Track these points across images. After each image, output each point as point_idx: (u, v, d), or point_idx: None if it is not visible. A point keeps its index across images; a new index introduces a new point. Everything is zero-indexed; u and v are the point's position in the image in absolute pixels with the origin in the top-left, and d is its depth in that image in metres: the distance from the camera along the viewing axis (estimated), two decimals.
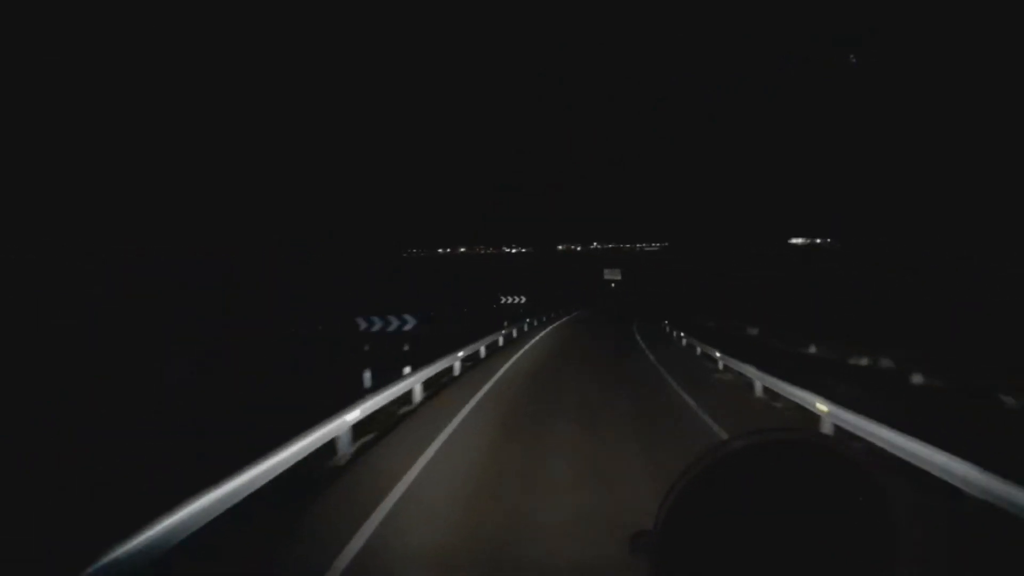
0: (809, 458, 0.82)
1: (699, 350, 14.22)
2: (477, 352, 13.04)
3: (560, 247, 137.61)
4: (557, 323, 25.97)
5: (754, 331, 21.74)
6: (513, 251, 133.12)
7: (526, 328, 21.80)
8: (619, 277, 55.17)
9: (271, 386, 8.93)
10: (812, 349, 15.15)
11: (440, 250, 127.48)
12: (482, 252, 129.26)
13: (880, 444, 4.75)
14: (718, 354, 11.53)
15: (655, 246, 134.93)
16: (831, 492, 0.80)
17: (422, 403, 7.79)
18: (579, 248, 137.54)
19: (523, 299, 25.41)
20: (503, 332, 17.11)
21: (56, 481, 4.14)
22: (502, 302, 25.31)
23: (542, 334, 20.84)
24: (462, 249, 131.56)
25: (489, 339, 14.51)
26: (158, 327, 18.21)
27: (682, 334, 17.83)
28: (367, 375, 7.75)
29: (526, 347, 16.01)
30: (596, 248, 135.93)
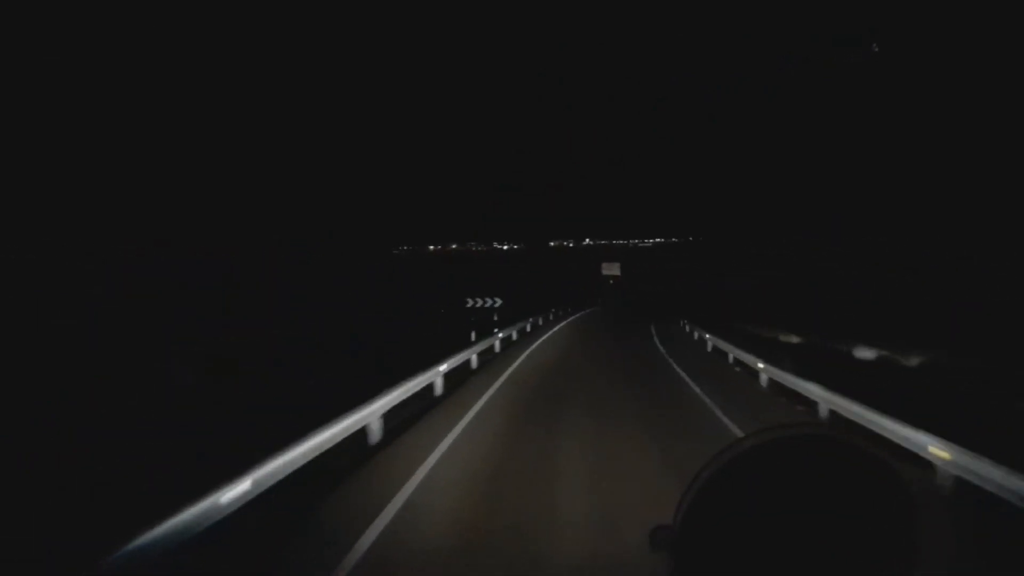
0: (829, 453, 0.81)
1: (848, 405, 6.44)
2: (366, 429, 5.75)
3: (552, 243, 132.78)
4: (548, 334, 18.68)
5: (868, 353, 13.34)
6: (505, 248, 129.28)
7: (498, 347, 14.26)
8: (618, 272, 51.15)
9: (273, 388, 8.93)
10: None
11: (431, 247, 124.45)
12: (474, 249, 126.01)
13: None
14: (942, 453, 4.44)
15: (649, 242, 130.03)
16: (851, 489, 0.79)
17: None
18: (571, 244, 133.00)
19: (497, 302, 19.48)
20: (441, 369, 8.73)
21: (56, 481, 4.13)
22: (469, 305, 19.64)
23: (521, 359, 13.03)
24: (454, 246, 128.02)
25: (412, 385, 7.28)
26: (158, 327, 18.23)
27: (759, 364, 9.80)
28: None
29: (483, 402, 8.23)
30: (589, 244, 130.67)
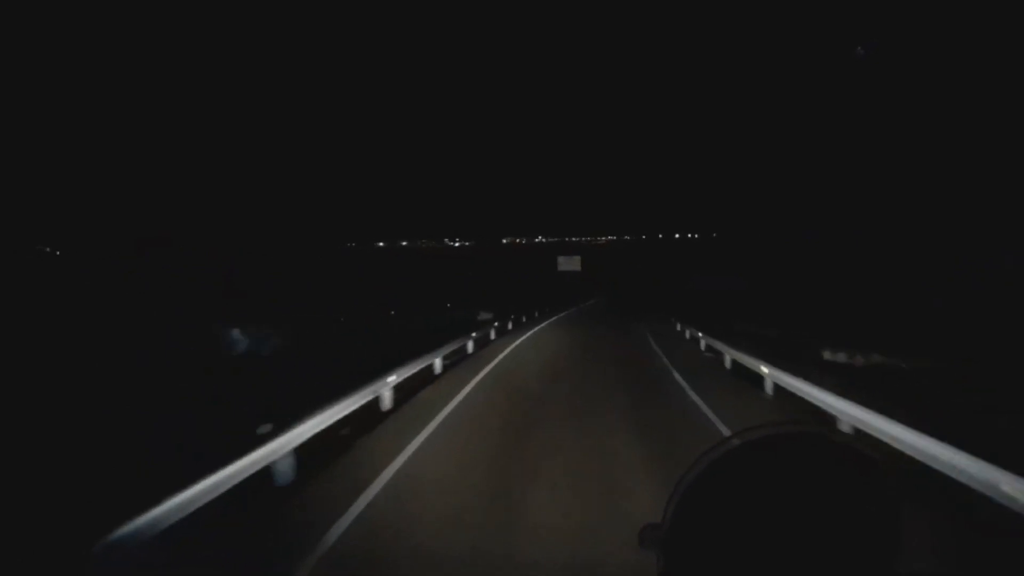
0: (818, 451, 0.84)
1: None
2: None
3: (505, 240, 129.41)
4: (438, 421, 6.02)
5: None
6: (456, 244, 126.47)
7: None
8: (579, 268, 40.94)
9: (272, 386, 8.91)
10: None
11: (379, 244, 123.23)
12: (424, 246, 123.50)
13: None
14: None
15: (602, 240, 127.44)
16: (839, 485, 0.81)
17: None
18: (524, 241, 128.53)
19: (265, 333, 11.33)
20: None
21: (52, 477, 4.20)
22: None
23: None
24: (403, 243, 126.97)
25: None
26: (160, 327, 18.29)
27: None
28: None
29: None
30: (543, 242, 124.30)
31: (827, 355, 12.32)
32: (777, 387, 7.29)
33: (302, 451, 4.27)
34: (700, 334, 12.90)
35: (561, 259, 41.97)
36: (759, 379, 8.05)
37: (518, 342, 14.34)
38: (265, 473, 3.88)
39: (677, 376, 9.15)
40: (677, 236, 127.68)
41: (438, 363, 9.25)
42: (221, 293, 31.74)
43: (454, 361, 10.58)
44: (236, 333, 16.52)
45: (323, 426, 4.74)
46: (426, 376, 8.58)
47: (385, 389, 6.47)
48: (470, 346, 12.15)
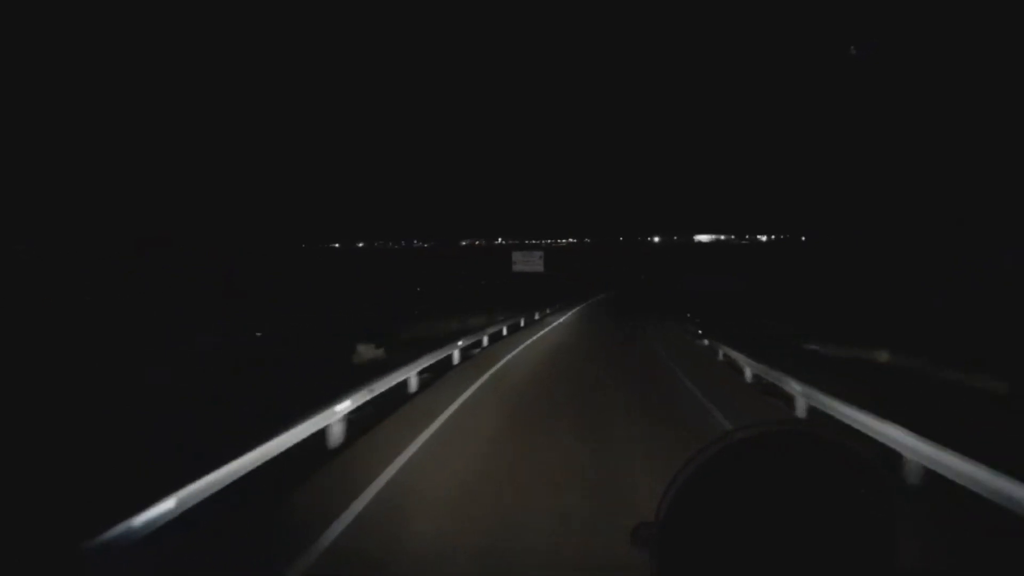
0: (811, 450, 0.83)
1: None
2: None
3: (464, 242, 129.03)
4: None
5: None
6: (416, 245, 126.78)
7: None
8: (540, 267, 33.22)
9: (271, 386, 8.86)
10: None
11: (335, 245, 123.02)
12: (381, 247, 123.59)
13: None
14: None
15: (563, 242, 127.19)
16: (833, 484, 0.81)
17: None
18: (483, 243, 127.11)
19: None
20: None
21: (52, 477, 4.12)
22: None
23: None
24: (360, 244, 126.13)
25: None
26: (160, 327, 18.16)
27: None
28: None
29: None
30: (502, 244, 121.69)
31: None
32: None
33: None
34: None
35: (517, 255, 33.64)
36: None
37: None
38: None
39: None
40: (657, 239, 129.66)
41: None
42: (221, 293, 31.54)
43: None
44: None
45: None
46: None
47: None
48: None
